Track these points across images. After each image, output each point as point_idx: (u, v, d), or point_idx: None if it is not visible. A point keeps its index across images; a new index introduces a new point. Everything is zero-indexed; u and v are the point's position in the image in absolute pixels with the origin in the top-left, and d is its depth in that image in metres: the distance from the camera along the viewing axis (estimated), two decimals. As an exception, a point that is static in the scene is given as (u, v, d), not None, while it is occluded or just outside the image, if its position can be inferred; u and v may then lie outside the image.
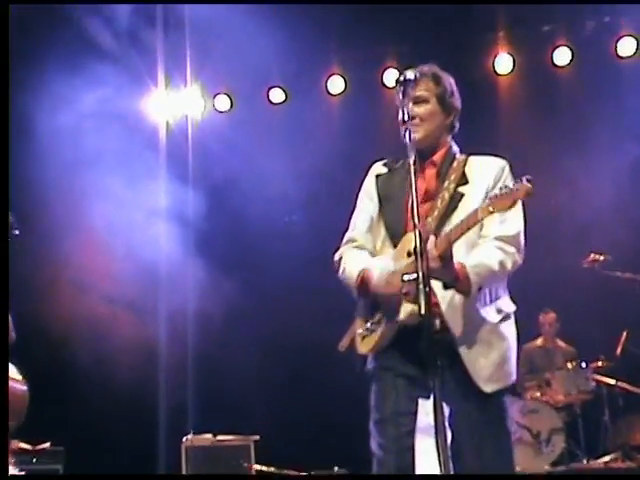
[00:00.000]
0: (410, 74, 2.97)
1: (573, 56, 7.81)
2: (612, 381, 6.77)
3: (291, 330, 7.38)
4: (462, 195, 3.08)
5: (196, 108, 8.06)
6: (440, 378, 2.62)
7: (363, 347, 3.20)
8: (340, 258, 3.30)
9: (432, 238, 2.90)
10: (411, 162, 2.81)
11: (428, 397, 2.84)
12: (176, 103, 8.02)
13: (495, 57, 7.91)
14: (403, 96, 2.92)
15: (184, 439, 6.39)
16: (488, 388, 3.02)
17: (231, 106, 8.12)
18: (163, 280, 7.50)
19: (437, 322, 2.89)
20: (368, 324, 3.17)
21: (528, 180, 2.74)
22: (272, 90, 8.03)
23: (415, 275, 2.65)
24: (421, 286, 2.61)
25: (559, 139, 7.65)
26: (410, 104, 3.01)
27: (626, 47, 7.71)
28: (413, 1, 7.09)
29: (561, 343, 7.69)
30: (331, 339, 3.43)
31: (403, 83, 2.95)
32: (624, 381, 6.75)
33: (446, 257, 2.89)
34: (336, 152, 7.50)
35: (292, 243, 7.52)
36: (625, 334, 6.84)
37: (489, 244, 3.06)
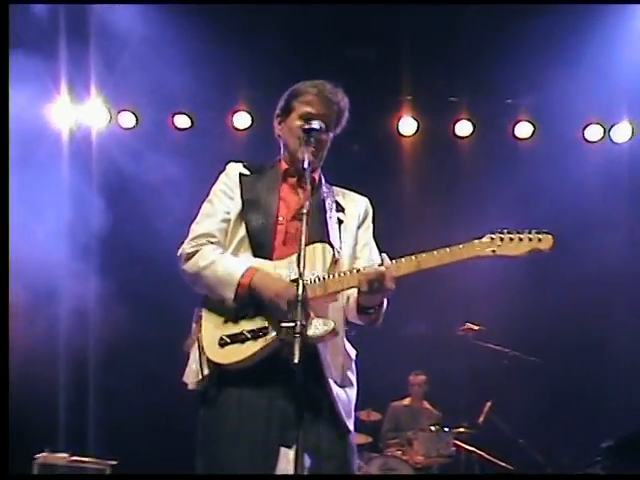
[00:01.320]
0: (316, 124, 3.00)
1: (474, 130, 8.11)
2: (471, 448, 6.92)
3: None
4: (341, 222, 3.05)
5: (100, 120, 7.87)
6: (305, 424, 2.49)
7: (222, 356, 2.84)
8: (196, 252, 2.98)
9: (388, 261, 2.78)
10: (308, 184, 2.78)
11: (289, 446, 2.68)
12: (80, 113, 7.82)
13: (400, 119, 8.11)
14: (306, 144, 2.95)
15: (38, 456, 6.16)
16: (351, 426, 2.94)
17: (136, 124, 7.97)
18: (60, 288, 7.28)
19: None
20: (241, 330, 2.85)
21: (548, 232, 2.74)
22: (178, 115, 7.96)
23: (292, 323, 2.55)
24: (297, 335, 2.50)
25: (454, 206, 7.89)
26: (319, 120, 3.01)
27: (523, 130, 8.07)
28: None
29: (427, 405, 7.84)
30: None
31: (309, 131, 2.98)
32: (483, 450, 6.90)
33: (397, 282, 2.79)
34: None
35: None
36: (489, 404, 7.02)
37: None
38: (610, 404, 7.58)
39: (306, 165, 2.89)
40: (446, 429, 6.97)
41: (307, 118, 3.04)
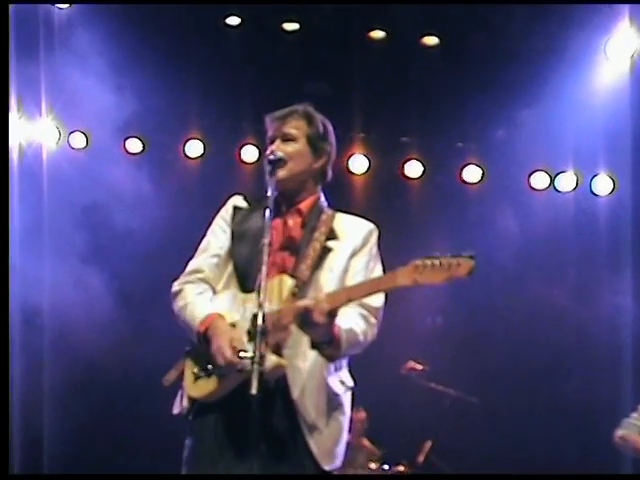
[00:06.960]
0: (279, 154, 2.99)
1: (424, 171, 8.17)
2: (410, 487, 6.89)
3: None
4: (330, 250, 2.96)
5: (50, 139, 7.68)
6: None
7: (194, 390, 2.92)
8: (180, 290, 3.03)
9: (320, 294, 2.73)
10: (269, 211, 2.78)
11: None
12: (30, 129, 7.62)
13: (350, 157, 8.09)
14: (270, 175, 2.94)
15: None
16: (327, 466, 2.88)
17: (86, 145, 7.77)
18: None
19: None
20: (208, 365, 2.87)
21: (471, 257, 2.53)
22: (130, 139, 7.84)
23: (251, 354, 2.55)
24: (256, 365, 2.51)
25: (397, 247, 7.90)
26: (278, 141, 3.03)
27: (471, 174, 8.16)
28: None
29: (366, 443, 7.76)
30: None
31: (272, 162, 2.97)
32: (422, 489, 6.88)
33: (333, 314, 2.71)
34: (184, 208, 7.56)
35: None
36: (429, 444, 7.01)
37: (354, 310, 2.88)
38: (556, 446, 7.67)
39: (269, 193, 2.86)
40: (386, 467, 6.92)
41: (272, 141, 3.07)
